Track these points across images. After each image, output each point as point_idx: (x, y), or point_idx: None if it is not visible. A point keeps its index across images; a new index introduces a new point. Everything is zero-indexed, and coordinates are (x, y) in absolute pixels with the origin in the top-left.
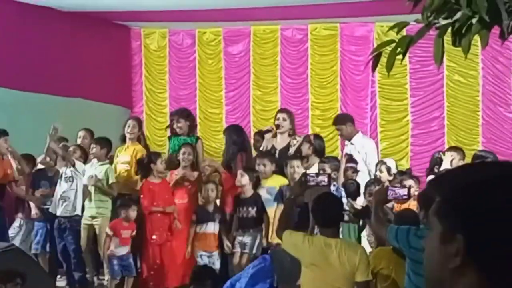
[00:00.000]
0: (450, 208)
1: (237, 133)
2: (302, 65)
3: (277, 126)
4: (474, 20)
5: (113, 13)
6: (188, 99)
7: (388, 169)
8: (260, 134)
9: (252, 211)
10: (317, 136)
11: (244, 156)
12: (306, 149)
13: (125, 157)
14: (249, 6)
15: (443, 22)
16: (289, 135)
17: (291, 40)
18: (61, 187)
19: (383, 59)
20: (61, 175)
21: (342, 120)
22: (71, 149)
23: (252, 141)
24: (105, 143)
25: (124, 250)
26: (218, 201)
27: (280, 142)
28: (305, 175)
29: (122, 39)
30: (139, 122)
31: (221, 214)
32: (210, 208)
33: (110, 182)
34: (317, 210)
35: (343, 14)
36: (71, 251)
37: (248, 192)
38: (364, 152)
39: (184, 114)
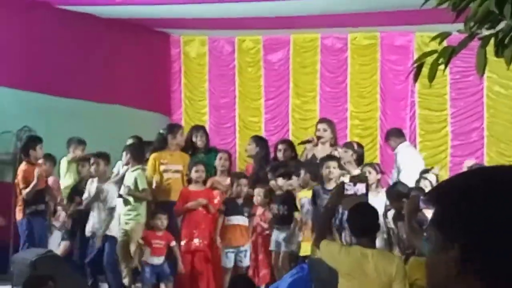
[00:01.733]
0: (447, 218)
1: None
2: (342, 74)
3: (318, 137)
4: None
5: (153, 20)
6: (228, 107)
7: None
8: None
9: (283, 209)
10: (359, 145)
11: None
12: (348, 156)
13: (177, 166)
14: (289, 14)
15: (486, 32)
16: (331, 145)
17: (331, 49)
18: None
19: (424, 69)
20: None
21: (394, 133)
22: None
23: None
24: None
25: (156, 260)
26: None
27: (321, 151)
28: (342, 184)
29: (161, 46)
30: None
31: (250, 209)
32: (240, 201)
33: (141, 187)
34: (353, 219)
35: (383, 23)
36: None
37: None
38: (400, 163)
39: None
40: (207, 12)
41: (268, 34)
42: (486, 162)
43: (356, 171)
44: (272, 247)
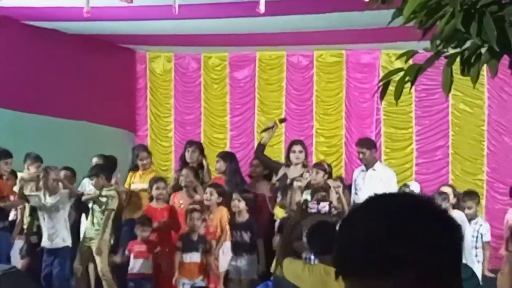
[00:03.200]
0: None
1: (235, 160)
2: (308, 92)
3: (292, 158)
4: (483, 50)
5: (119, 36)
6: (193, 123)
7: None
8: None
9: (246, 237)
10: (328, 164)
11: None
12: (320, 177)
13: (142, 185)
14: (255, 31)
15: (452, 51)
16: (303, 166)
17: (297, 66)
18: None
19: (390, 87)
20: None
21: (368, 144)
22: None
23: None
24: (103, 171)
25: (139, 263)
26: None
27: (293, 171)
28: (305, 202)
29: (127, 62)
30: (149, 151)
31: (204, 243)
32: (195, 237)
33: (111, 207)
34: (313, 238)
35: (349, 41)
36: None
37: (244, 216)
38: (387, 180)
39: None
40: (173, 28)
41: (234, 51)
42: (451, 180)
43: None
44: (232, 274)
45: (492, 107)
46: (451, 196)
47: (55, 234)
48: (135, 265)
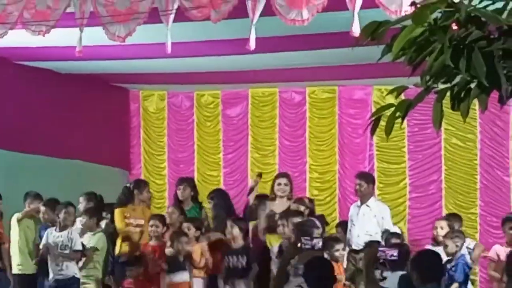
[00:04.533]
0: None
1: (226, 197)
2: (301, 128)
3: (276, 191)
4: (473, 85)
5: (112, 75)
6: (187, 161)
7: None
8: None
9: (242, 261)
10: (309, 200)
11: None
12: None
13: (138, 220)
14: (247, 68)
15: (442, 86)
16: (288, 199)
17: (290, 103)
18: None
19: (381, 123)
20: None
21: (367, 177)
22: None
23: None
24: (96, 213)
25: None
26: None
27: (279, 205)
28: (299, 238)
29: (120, 101)
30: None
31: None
32: (181, 258)
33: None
34: (308, 273)
35: (341, 77)
36: None
37: (239, 242)
38: (381, 216)
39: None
40: (165, 66)
41: (226, 89)
42: (444, 214)
43: None
44: None
45: (485, 141)
46: (447, 229)
47: None
48: None
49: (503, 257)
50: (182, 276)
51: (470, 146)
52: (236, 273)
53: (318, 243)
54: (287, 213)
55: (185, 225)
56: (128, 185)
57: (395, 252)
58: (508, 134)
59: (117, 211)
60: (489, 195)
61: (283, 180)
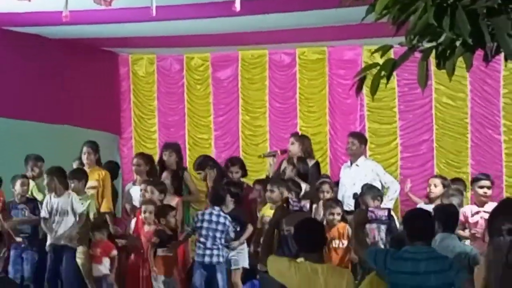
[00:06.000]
0: None
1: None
2: (291, 90)
3: (284, 151)
4: (458, 43)
5: (101, 39)
6: (177, 125)
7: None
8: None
9: (235, 225)
10: (300, 159)
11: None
12: (289, 171)
13: (91, 182)
14: (236, 31)
15: (427, 45)
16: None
17: (279, 65)
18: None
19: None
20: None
21: (360, 137)
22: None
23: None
24: (81, 175)
25: (97, 270)
26: None
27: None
28: (287, 199)
29: (110, 66)
30: (96, 147)
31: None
32: (169, 232)
33: (92, 215)
34: (300, 235)
35: (331, 38)
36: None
37: (229, 207)
38: (376, 173)
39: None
40: (154, 30)
41: (216, 51)
42: (436, 173)
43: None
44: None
45: (475, 99)
46: (440, 187)
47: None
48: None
49: (470, 217)
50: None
51: (461, 105)
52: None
53: (306, 204)
54: (273, 180)
55: (148, 188)
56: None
57: (385, 213)
58: (499, 92)
59: None
60: (480, 154)
61: (290, 139)
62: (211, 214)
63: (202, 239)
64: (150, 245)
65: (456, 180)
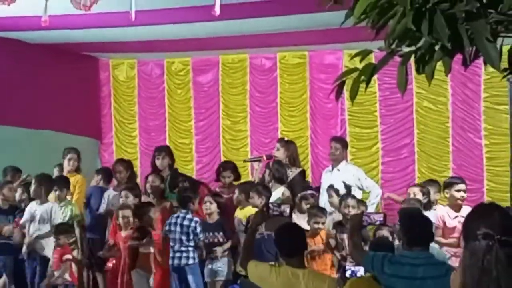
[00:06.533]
0: None
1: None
2: (272, 94)
3: (270, 156)
4: (437, 47)
5: (81, 44)
6: (158, 129)
7: (337, 191)
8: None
9: (219, 236)
10: (275, 162)
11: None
12: (266, 175)
13: None
14: (217, 35)
15: (406, 49)
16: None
17: (260, 69)
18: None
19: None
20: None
21: (343, 142)
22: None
23: None
24: (65, 184)
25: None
26: None
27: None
28: (266, 205)
29: (90, 70)
30: (79, 154)
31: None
32: (150, 229)
33: (77, 217)
34: (280, 240)
35: (311, 42)
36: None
37: (214, 218)
38: (357, 178)
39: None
40: (135, 35)
41: (197, 56)
42: (417, 178)
43: (278, 190)
44: (206, 277)
45: (456, 103)
46: (420, 195)
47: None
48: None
49: (448, 222)
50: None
51: (442, 109)
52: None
53: (286, 209)
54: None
55: (123, 193)
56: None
57: (380, 217)
58: (480, 96)
59: None
60: (462, 158)
61: (276, 145)
62: (177, 217)
63: (171, 243)
64: (129, 241)
65: (431, 181)
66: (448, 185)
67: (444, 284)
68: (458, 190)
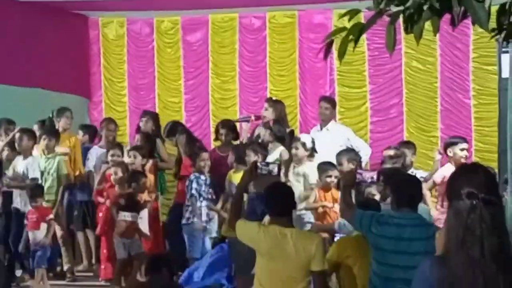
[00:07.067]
0: None
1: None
2: (261, 53)
3: (258, 117)
4: (425, 7)
5: (70, 2)
6: (147, 88)
7: (303, 144)
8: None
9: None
10: (275, 121)
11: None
12: (267, 135)
13: (63, 149)
14: None
15: (395, 9)
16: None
17: (250, 28)
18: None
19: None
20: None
21: (333, 102)
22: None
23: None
24: (55, 135)
25: (35, 236)
26: None
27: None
28: (255, 163)
29: (79, 29)
30: (72, 113)
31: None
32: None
33: (62, 173)
34: (270, 199)
35: (301, 1)
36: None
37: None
38: (347, 138)
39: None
40: None
41: (186, 15)
42: (406, 137)
43: (277, 150)
44: None
45: (445, 64)
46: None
47: None
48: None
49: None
50: (131, 216)
51: (431, 69)
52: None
53: (274, 168)
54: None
55: (131, 153)
56: (50, 115)
57: (374, 174)
58: (469, 56)
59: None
60: (450, 118)
61: (264, 104)
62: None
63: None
64: (114, 206)
65: (406, 143)
66: (451, 144)
67: (431, 245)
68: (462, 149)
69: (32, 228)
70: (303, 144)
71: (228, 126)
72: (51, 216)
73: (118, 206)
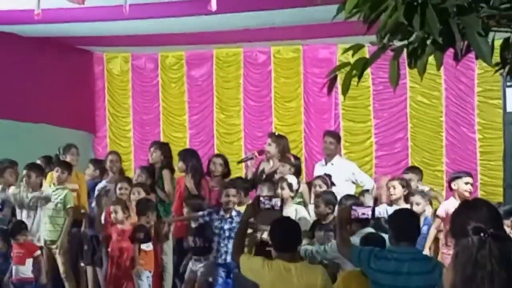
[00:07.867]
0: None
1: (196, 157)
2: (266, 88)
3: (261, 152)
4: (429, 42)
5: (75, 38)
6: (152, 123)
7: (290, 186)
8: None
9: (199, 242)
10: (295, 157)
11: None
12: (286, 170)
13: (72, 185)
14: (210, 29)
15: (398, 43)
16: (279, 160)
17: (254, 63)
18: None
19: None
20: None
21: (337, 137)
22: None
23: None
24: (69, 169)
25: (20, 272)
26: None
27: (267, 166)
28: (258, 198)
29: (84, 64)
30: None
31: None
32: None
33: (68, 206)
34: (275, 234)
35: (305, 36)
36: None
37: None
38: (351, 172)
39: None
40: (129, 29)
41: (190, 50)
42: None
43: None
44: (187, 276)
45: (450, 98)
46: (400, 188)
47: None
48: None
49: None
50: (150, 244)
51: (436, 104)
52: (194, 252)
53: (277, 202)
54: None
55: (134, 190)
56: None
57: (368, 211)
58: (473, 90)
59: (48, 177)
60: (455, 152)
61: (268, 140)
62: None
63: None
64: (134, 240)
65: (412, 168)
66: (456, 178)
67: (430, 280)
68: (466, 183)
69: (17, 263)
70: (290, 186)
71: (220, 158)
72: (38, 252)
73: (138, 240)
